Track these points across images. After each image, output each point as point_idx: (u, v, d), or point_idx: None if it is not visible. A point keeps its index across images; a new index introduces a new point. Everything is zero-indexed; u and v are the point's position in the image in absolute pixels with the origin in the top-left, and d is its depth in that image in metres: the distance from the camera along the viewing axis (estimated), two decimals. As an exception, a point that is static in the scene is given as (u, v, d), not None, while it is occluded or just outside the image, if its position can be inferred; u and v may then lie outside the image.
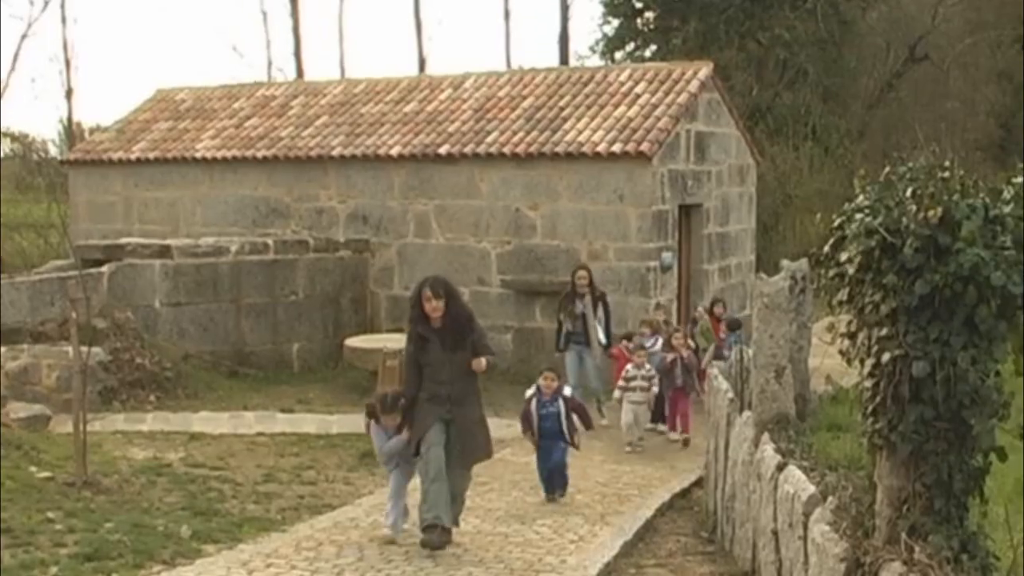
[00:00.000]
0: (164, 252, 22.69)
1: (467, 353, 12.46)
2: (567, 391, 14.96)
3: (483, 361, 12.44)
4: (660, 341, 19.86)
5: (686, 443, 18.22)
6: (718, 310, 22.02)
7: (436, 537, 11.85)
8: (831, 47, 46.88)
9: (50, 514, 12.71)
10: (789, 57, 45.52)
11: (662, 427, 19.34)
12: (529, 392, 14.88)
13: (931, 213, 6.86)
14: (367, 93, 28.65)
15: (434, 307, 12.33)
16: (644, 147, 23.28)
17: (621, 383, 18.30)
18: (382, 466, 13.54)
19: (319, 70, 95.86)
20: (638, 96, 25.21)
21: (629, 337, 20.12)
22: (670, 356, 18.73)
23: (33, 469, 14.58)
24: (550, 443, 14.54)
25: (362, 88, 29.09)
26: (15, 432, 16.59)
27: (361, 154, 26.02)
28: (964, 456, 7.04)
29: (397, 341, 20.47)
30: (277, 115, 28.75)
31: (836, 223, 7.54)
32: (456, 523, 12.45)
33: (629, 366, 18.46)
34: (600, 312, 20.47)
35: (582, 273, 20.55)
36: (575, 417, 14.78)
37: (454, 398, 12.38)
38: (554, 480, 14.65)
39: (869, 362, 7.26)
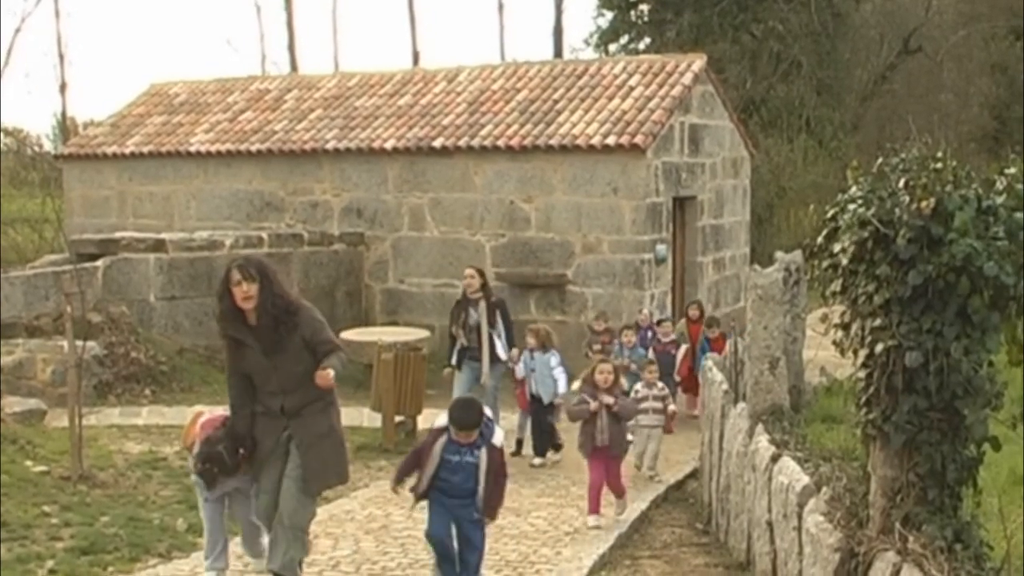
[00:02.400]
0: (159, 246, 22.67)
1: (297, 354, 9.73)
2: (498, 437, 10.28)
3: (330, 373, 9.60)
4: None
5: (621, 509, 13.59)
6: (693, 312, 20.95)
7: None
8: (825, 39, 46.88)
9: (46, 508, 12.71)
10: (783, 49, 45.53)
11: (536, 460, 16.52)
12: (440, 420, 10.33)
13: (924, 204, 6.88)
14: (361, 86, 28.64)
15: (245, 293, 9.57)
16: (638, 140, 23.29)
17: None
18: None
19: (313, 64, 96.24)
20: (632, 89, 25.22)
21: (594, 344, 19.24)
22: (592, 404, 13.41)
23: (29, 463, 14.57)
24: (456, 510, 10.22)
25: (356, 81, 29.07)
26: (10, 427, 16.56)
27: (355, 147, 26.01)
28: (957, 446, 7.07)
29: (392, 334, 20.52)
30: (271, 109, 28.73)
31: (829, 214, 7.56)
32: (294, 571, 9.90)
33: (639, 385, 16.10)
34: (498, 322, 17.36)
35: (469, 272, 17.76)
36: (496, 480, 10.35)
37: (290, 410, 9.77)
38: (465, 569, 10.43)
39: (863, 353, 7.29)
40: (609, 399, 13.32)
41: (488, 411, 15.46)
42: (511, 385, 17.92)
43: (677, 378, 19.56)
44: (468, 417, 10.06)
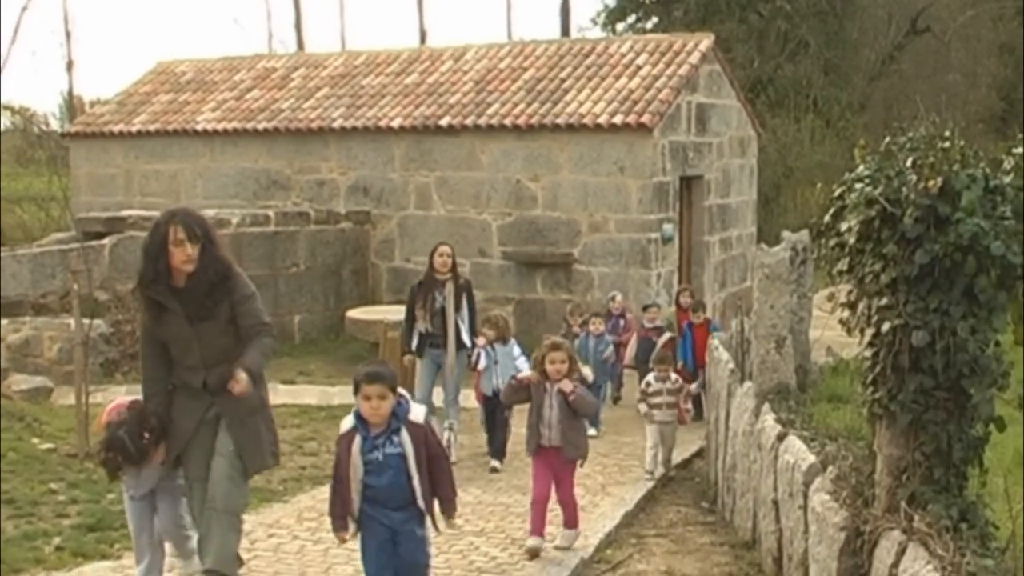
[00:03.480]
0: (165, 224, 22.62)
1: (225, 325, 8.71)
2: (416, 413, 8.35)
3: (242, 378, 8.35)
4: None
5: (568, 542, 11.24)
6: (684, 300, 19.47)
7: None
8: (832, 19, 46.83)
9: (52, 485, 12.73)
10: (790, 29, 45.46)
11: (496, 463, 15.01)
12: (346, 423, 8.44)
13: (931, 183, 6.87)
14: (368, 65, 28.63)
15: (187, 255, 8.51)
16: (645, 119, 23.27)
17: (640, 395, 15.10)
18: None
19: (320, 42, 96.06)
20: (639, 68, 25.20)
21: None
22: (523, 375, 11.90)
23: (35, 441, 14.60)
24: (397, 526, 8.36)
25: (363, 60, 29.07)
26: (17, 404, 16.60)
27: (362, 126, 26.02)
28: (963, 426, 7.06)
29: (398, 313, 20.51)
30: (278, 87, 28.73)
31: (836, 193, 7.54)
32: (232, 567, 8.85)
33: (650, 377, 15.07)
34: (464, 307, 15.72)
35: (444, 250, 15.80)
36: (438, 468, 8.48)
37: (214, 386, 8.67)
38: None
39: (869, 332, 7.28)
40: (568, 385, 10.95)
41: (451, 401, 15.62)
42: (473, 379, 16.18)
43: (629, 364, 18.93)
44: (378, 369, 8.32)
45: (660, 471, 14.68)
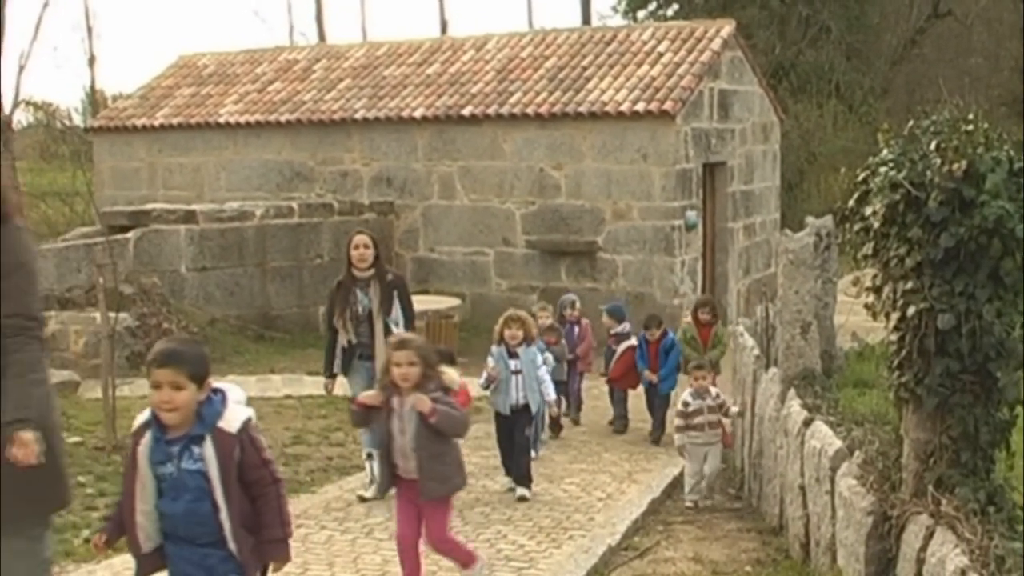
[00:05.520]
0: (189, 217, 22.73)
1: None
2: (231, 419, 6.25)
3: (27, 440, 6.10)
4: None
5: None
6: (704, 316, 16.39)
7: None
8: (853, 4, 46.68)
9: (80, 479, 12.76)
10: (812, 14, 45.34)
11: (523, 492, 12.51)
12: (140, 417, 6.39)
13: (955, 166, 6.86)
14: (389, 55, 28.64)
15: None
16: (667, 106, 23.26)
17: (679, 420, 12.81)
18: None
19: (341, 34, 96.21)
20: (661, 55, 25.18)
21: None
22: (370, 395, 9.01)
23: (63, 434, 14.65)
24: (203, 565, 6.22)
25: (384, 51, 29.08)
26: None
27: (384, 116, 26.04)
28: (990, 409, 7.06)
29: (423, 302, 20.54)
30: (300, 79, 28.76)
31: (861, 177, 7.54)
32: None
33: (687, 393, 12.86)
34: (395, 309, 12.87)
35: (361, 240, 12.85)
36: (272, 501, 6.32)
37: None
38: None
39: (895, 316, 7.27)
40: (424, 403, 8.46)
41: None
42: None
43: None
44: (175, 347, 6.33)
45: (704, 498, 12.87)
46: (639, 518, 11.94)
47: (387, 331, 12.41)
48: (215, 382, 6.29)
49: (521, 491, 12.44)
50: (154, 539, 6.21)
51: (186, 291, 22.36)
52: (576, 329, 16.71)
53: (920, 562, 6.59)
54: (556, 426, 15.66)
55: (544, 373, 12.84)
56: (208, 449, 6.08)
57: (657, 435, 15.64)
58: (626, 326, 16.62)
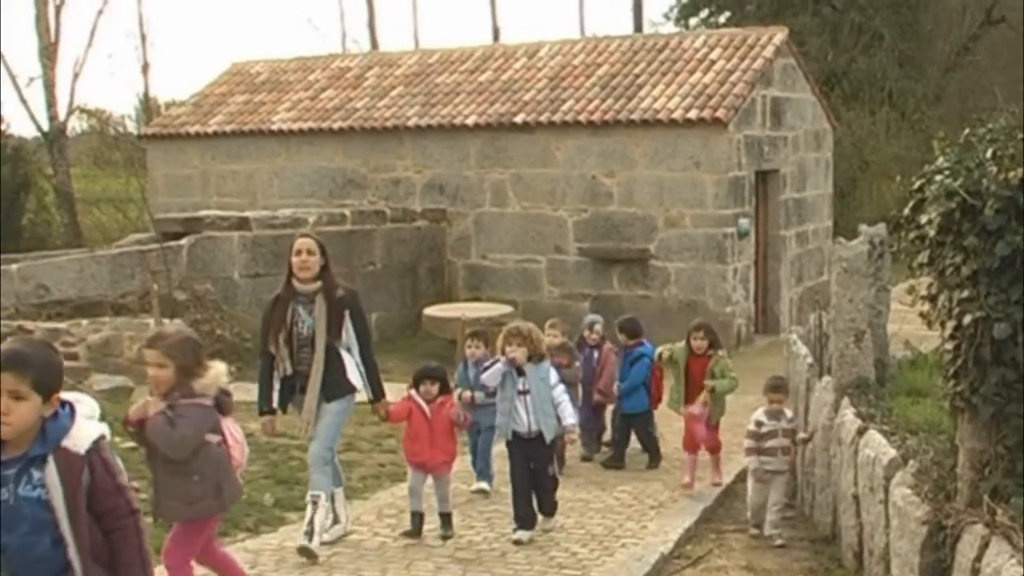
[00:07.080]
0: (242, 224, 22.82)
1: None
2: (81, 435, 5.45)
3: None
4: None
5: None
6: (698, 343, 13.28)
7: None
8: (906, 10, 46.44)
9: (135, 484, 12.81)
10: (864, 21, 45.14)
11: (546, 523, 11.40)
12: None
13: (1012, 174, 6.83)
14: (442, 63, 28.70)
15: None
16: (720, 113, 23.23)
17: (750, 441, 11.53)
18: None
19: (393, 41, 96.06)
20: (713, 62, 25.15)
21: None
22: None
23: (117, 440, 14.64)
24: None
25: (436, 58, 29.13)
26: (98, 403, 16.75)
27: (437, 124, 26.10)
28: (1047, 418, 7.02)
29: (475, 310, 20.59)
30: (352, 86, 28.85)
31: (916, 185, 7.52)
32: None
33: (761, 412, 11.55)
34: (346, 331, 10.69)
35: (303, 244, 10.79)
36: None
37: None
38: None
39: (950, 324, 7.24)
40: (140, 410, 8.25)
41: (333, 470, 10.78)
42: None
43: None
44: (19, 349, 5.35)
45: (778, 540, 11.38)
46: (691, 526, 11.92)
47: (334, 359, 10.53)
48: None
49: (526, 535, 11.03)
50: None
51: (239, 298, 22.45)
52: (596, 355, 14.55)
53: (975, 572, 6.56)
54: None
55: (561, 392, 11.17)
56: (51, 473, 5.19)
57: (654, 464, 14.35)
58: (644, 343, 14.43)
